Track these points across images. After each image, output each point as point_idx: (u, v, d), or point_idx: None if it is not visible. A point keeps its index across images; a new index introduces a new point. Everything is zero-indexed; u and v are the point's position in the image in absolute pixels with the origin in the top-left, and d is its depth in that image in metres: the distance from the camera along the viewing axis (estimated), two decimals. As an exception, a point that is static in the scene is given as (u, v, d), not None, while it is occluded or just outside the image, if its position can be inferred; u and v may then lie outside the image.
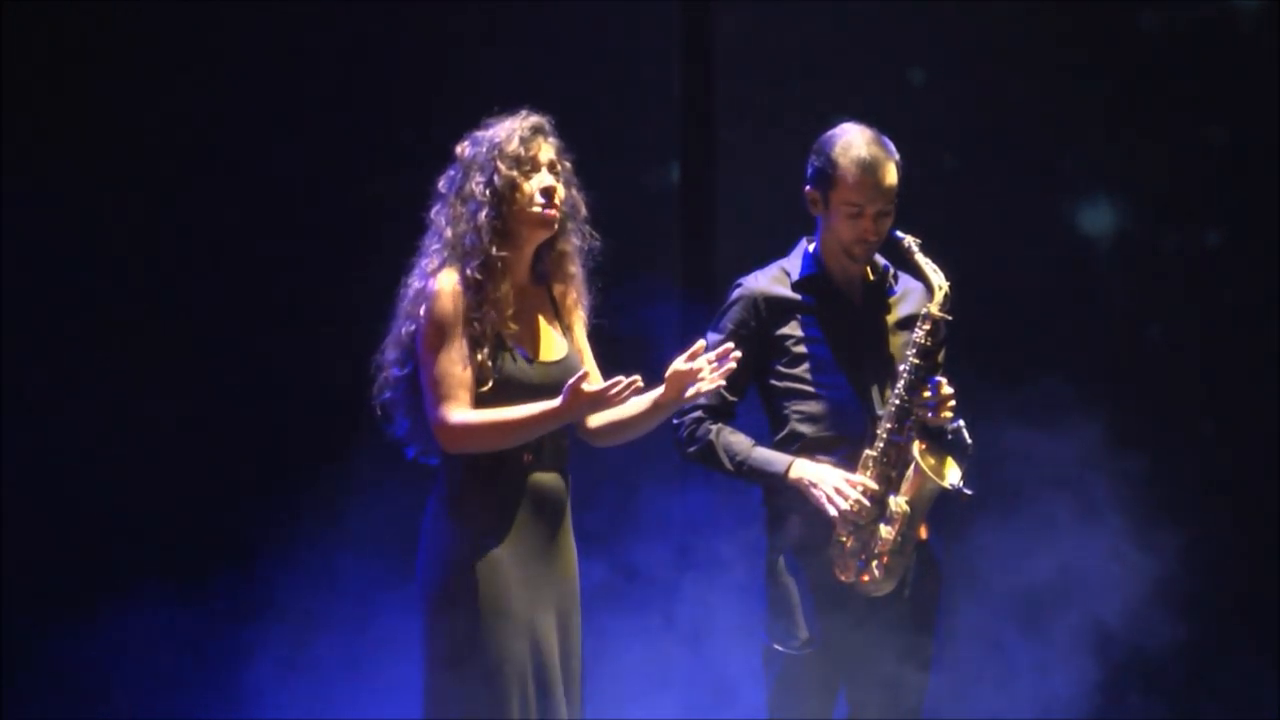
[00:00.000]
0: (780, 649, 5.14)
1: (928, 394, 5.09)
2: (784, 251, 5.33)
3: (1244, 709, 7.15)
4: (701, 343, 4.80)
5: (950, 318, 5.15)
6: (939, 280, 5.14)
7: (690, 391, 4.77)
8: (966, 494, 5.08)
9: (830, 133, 5.20)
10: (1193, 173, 7.25)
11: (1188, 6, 7.26)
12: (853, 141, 5.15)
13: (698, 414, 5.21)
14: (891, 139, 5.21)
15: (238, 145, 7.08)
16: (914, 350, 5.12)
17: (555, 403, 4.63)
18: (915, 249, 5.16)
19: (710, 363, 4.77)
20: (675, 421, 5.21)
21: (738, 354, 4.79)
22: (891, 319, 5.25)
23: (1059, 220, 7.30)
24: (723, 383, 4.79)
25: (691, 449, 5.23)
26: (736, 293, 5.25)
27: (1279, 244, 7.22)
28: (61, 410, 6.97)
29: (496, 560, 4.69)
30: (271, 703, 6.98)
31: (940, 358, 5.24)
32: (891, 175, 5.13)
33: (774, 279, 5.24)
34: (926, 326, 5.13)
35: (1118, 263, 7.30)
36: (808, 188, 5.20)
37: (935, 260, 5.18)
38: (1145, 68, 7.25)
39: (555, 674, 4.73)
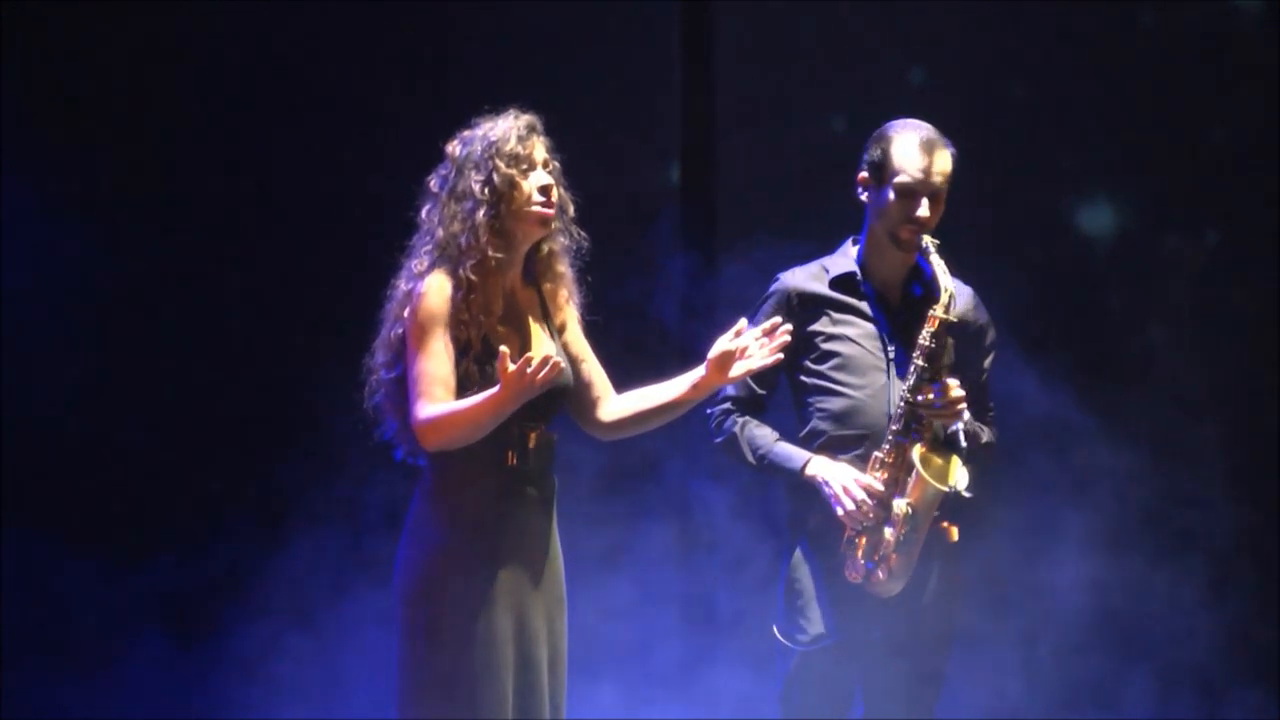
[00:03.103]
0: (789, 645, 5.16)
1: (931, 396, 5.09)
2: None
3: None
4: (744, 321, 4.81)
5: (955, 320, 5.15)
6: (946, 282, 5.14)
7: (738, 370, 4.76)
8: (965, 495, 5.08)
9: (887, 123, 5.23)
10: (1193, 173, 7.25)
11: (1188, 6, 7.26)
12: (910, 126, 5.20)
13: (727, 405, 5.26)
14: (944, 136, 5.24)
15: (237, 143, 7.08)
16: (918, 352, 5.12)
17: (495, 389, 4.58)
18: (932, 249, 5.16)
19: (757, 339, 4.77)
20: (708, 411, 5.26)
21: (788, 327, 4.81)
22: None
23: (1059, 220, 7.30)
24: (779, 357, 4.79)
25: (718, 440, 5.28)
26: (773, 287, 5.28)
27: (1279, 244, 7.22)
28: (56, 394, 6.98)
29: (478, 559, 4.67)
30: (243, 701, 7.01)
31: (987, 363, 5.26)
32: (946, 161, 5.17)
33: (812, 275, 5.26)
34: (931, 328, 5.12)
35: (1118, 263, 7.30)
36: (861, 174, 5.22)
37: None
38: (1145, 68, 7.25)
39: (541, 674, 4.70)
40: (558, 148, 4.85)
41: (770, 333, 4.77)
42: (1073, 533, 7.04)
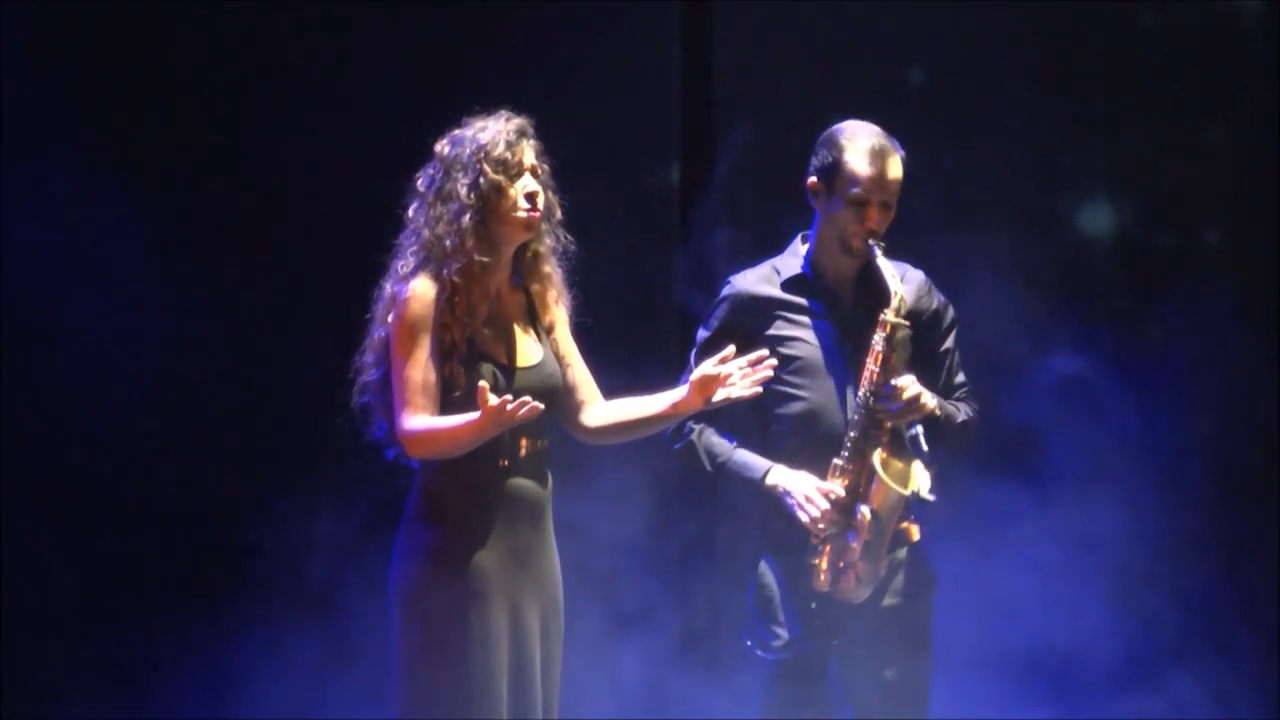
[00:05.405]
0: (762, 654, 5.15)
1: (886, 400, 5.06)
2: (782, 251, 5.32)
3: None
4: (732, 348, 4.80)
5: (907, 323, 5.12)
6: (895, 286, 5.09)
7: (719, 396, 4.76)
8: (929, 499, 5.04)
9: (836, 126, 5.20)
10: (1193, 173, 7.25)
11: (1188, 6, 7.26)
12: (860, 132, 5.15)
13: None
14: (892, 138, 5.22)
15: (237, 143, 7.09)
16: (871, 357, 5.08)
17: (476, 415, 4.57)
18: (879, 251, 5.13)
19: (741, 369, 4.77)
20: None
21: (773, 361, 4.80)
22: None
23: (1059, 220, 7.30)
24: (759, 390, 4.79)
25: (676, 446, 5.24)
26: (725, 291, 5.25)
27: (1279, 244, 7.22)
28: (63, 391, 6.99)
29: (473, 559, 4.67)
30: (247, 697, 7.00)
31: (949, 342, 5.22)
32: (897, 168, 5.13)
33: (763, 278, 5.23)
34: (883, 332, 5.08)
35: (1118, 263, 7.30)
36: (811, 179, 5.18)
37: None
38: (1145, 68, 7.25)
39: (534, 674, 4.71)
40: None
41: (755, 364, 4.77)
42: (1072, 531, 7.04)
